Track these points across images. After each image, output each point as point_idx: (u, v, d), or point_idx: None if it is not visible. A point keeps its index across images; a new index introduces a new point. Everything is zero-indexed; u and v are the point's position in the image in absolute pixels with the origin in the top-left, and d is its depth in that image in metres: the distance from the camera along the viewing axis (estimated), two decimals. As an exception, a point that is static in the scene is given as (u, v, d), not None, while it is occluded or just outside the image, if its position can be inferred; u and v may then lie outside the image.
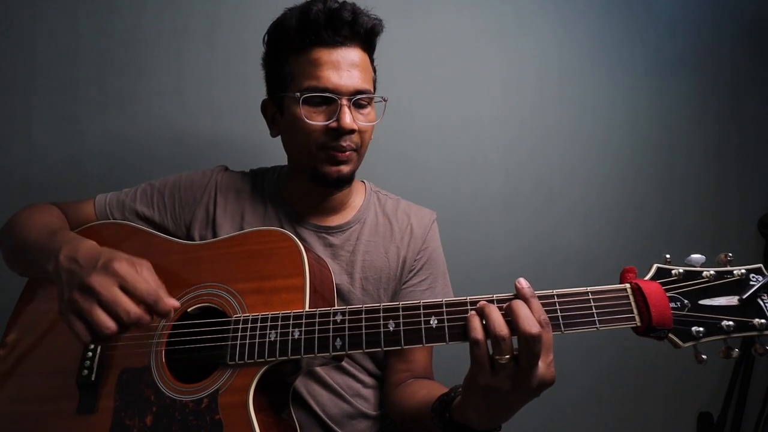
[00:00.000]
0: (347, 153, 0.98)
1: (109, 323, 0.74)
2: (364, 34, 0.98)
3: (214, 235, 1.06)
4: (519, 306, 0.67)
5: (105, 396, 0.88)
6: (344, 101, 0.95)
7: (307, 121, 0.96)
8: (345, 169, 1.00)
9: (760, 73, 1.79)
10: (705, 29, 1.76)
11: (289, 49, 0.98)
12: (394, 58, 1.54)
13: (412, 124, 1.57)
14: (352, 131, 0.96)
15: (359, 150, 1.02)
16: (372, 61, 1.04)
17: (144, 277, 0.78)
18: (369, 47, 1.02)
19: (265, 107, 1.09)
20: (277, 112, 1.05)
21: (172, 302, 0.79)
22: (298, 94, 0.95)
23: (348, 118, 0.94)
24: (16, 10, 1.39)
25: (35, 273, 1.00)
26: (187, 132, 1.46)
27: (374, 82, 1.05)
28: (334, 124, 0.95)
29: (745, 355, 1.69)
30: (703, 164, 1.77)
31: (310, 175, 1.02)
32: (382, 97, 1.03)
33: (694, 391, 1.77)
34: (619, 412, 1.72)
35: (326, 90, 0.94)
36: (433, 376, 1.10)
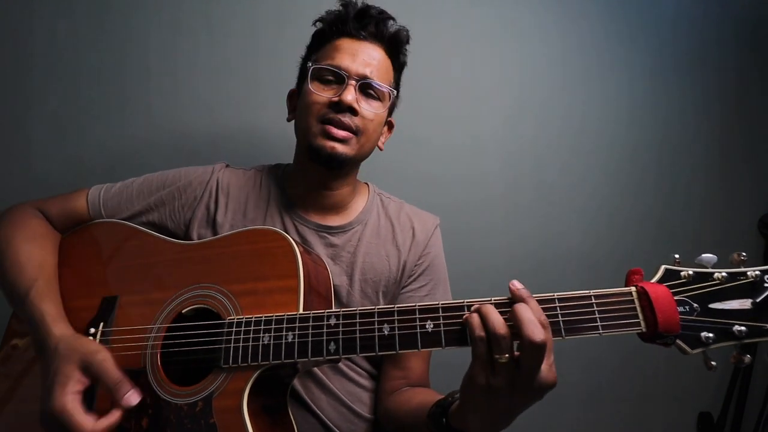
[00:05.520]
0: (344, 132, 0.95)
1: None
2: (388, 37, 1.01)
3: (214, 233, 1.00)
4: (522, 310, 0.61)
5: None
6: (351, 81, 0.95)
7: (314, 92, 0.96)
8: (340, 147, 0.95)
9: (761, 74, 1.72)
10: (706, 30, 1.70)
11: (323, 41, 1.02)
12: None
13: (413, 128, 1.50)
14: (351, 109, 0.94)
15: (359, 136, 0.97)
16: (395, 70, 1.05)
17: (77, 390, 0.76)
18: (392, 52, 1.03)
19: (290, 96, 1.10)
20: (297, 96, 1.05)
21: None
22: (310, 63, 0.99)
23: (350, 95, 0.94)
24: (16, 10, 1.35)
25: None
26: (187, 130, 1.41)
27: (391, 86, 1.03)
28: (336, 98, 0.95)
29: (755, 359, 1.62)
30: (703, 164, 1.70)
31: (307, 151, 0.99)
32: (389, 89, 1.01)
33: (694, 391, 1.70)
34: (619, 411, 1.65)
35: (338, 67, 0.96)
36: (430, 385, 1.04)
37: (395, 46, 1.03)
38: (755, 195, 1.72)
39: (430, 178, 1.53)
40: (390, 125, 1.13)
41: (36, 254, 0.92)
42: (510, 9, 1.58)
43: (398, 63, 1.06)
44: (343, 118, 0.94)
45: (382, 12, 1.01)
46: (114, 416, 0.75)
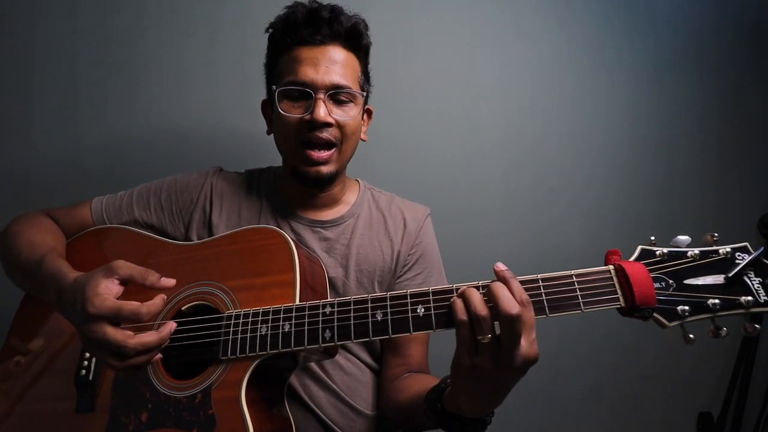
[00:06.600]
0: (325, 153, 0.97)
1: (116, 365, 0.76)
2: (345, 33, 0.98)
3: (210, 235, 1.03)
4: (498, 288, 0.64)
5: (102, 395, 0.86)
6: (320, 95, 0.94)
7: (284, 113, 0.96)
8: (324, 169, 0.99)
9: (761, 73, 1.75)
10: (705, 29, 1.73)
11: (279, 50, 1.00)
12: (395, 54, 1.49)
13: (411, 122, 1.54)
14: (326, 124, 0.95)
15: (340, 146, 0.99)
16: (360, 60, 1.03)
17: (113, 292, 0.77)
18: (354, 47, 1.00)
19: (264, 106, 1.09)
20: (271, 110, 1.06)
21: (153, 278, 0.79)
22: (274, 87, 0.97)
23: (321, 110, 0.94)
24: (16, 10, 1.37)
25: (30, 292, 0.99)
26: (187, 131, 1.43)
27: (361, 82, 1.03)
28: (308, 117, 0.94)
29: (744, 354, 1.63)
30: (702, 164, 1.72)
31: (293, 174, 1.02)
32: (359, 92, 1.00)
33: (694, 391, 1.70)
34: (619, 411, 1.65)
35: (303, 84, 0.94)
36: (429, 371, 1.06)
37: (354, 38, 1.00)
38: (755, 195, 1.74)
39: (427, 175, 1.55)
40: (369, 113, 1.13)
41: (49, 239, 0.97)
42: (513, 3, 1.61)
43: (362, 51, 1.03)
44: (320, 134, 0.95)
45: (332, 9, 0.97)
46: (159, 300, 0.78)
